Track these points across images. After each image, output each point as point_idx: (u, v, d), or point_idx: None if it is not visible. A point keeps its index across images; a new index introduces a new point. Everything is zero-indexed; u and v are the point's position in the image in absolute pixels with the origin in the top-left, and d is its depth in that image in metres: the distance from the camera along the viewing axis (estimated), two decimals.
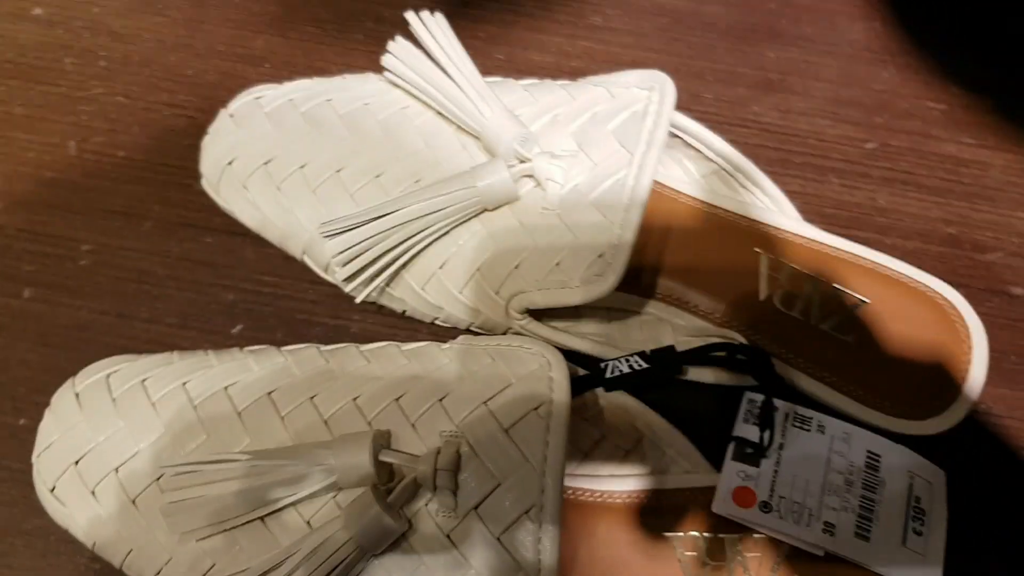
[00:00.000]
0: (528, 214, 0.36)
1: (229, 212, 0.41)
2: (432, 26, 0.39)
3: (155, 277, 0.42)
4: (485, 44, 0.48)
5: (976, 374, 0.39)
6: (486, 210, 0.37)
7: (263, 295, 0.42)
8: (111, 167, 0.45)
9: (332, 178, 0.38)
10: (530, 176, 0.37)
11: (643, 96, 0.38)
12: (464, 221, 0.37)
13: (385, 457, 0.31)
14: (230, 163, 0.40)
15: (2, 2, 0.48)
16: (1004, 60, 0.49)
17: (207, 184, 0.41)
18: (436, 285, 0.38)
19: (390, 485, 0.31)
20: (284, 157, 0.39)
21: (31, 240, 0.43)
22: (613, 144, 0.37)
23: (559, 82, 0.40)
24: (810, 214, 0.44)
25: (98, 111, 0.46)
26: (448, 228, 0.37)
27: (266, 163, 0.39)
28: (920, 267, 0.41)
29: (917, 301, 0.40)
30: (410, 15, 0.39)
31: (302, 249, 0.39)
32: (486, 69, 0.43)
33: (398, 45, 0.40)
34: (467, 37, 0.47)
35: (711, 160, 0.42)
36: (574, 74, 0.45)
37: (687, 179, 0.43)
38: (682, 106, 0.46)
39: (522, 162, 0.36)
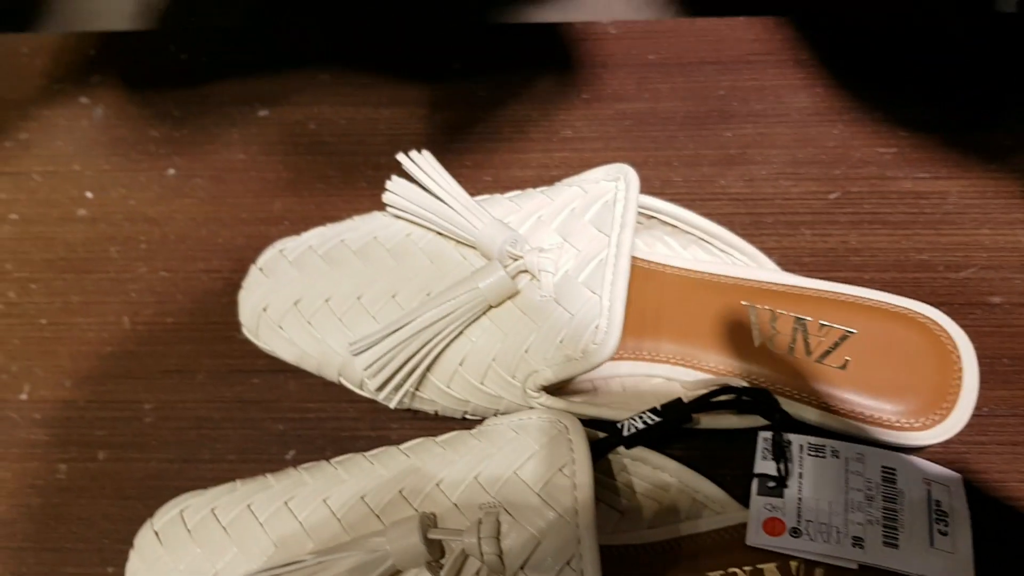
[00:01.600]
0: (529, 304, 0.41)
1: (270, 352, 0.46)
2: (421, 162, 0.45)
3: (212, 422, 0.47)
4: (473, 171, 0.53)
5: (969, 379, 0.42)
6: (492, 307, 0.41)
7: (309, 420, 0.46)
8: (162, 333, 0.50)
9: (354, 305, 0.43)
10: (525, 271, 0.41)
11: (611, 187, 0.43)
12: (474, 320, 0.41)
13: (433, 535, 0.34)
14: (264, 309, 0.45)
15: (51, 210, 0.54)
16: (942, 98, 0.53)
17: (247, 332, 0.46)
18: (460, 381, 0.42)
19: (442, 561, 0.34)
20: (310, 295, 0.44)
21: (100, 408, 0.48)
22: (592, 231, 0.42)
23: (539, 189, 0.46)
24: (789, 265, 0.48)
25: (145, 287, 0.52)
26: (461, 328, 0.41)
27: (296, 303, 0.44)
28: (900, 294, 0.45)
29: (901, 323, 0.44)
30: (401, 156, 0.45)
31: (337, 372, 0.44)
32: (476, 190, 0.49)
33: (395, 183, 0.45)
34: (456, 167, 0.53)
35: (688, 232, 0.47)
36: (554, 182, 0.51)
37: (671, 253, 0.47)
38: (656, 191, 0.51)
39: (515, 260, 0.41)
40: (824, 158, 0.52)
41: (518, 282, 0.42)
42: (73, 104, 0.58)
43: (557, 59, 0.57)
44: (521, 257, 0.41)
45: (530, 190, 0.46)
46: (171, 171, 0.55)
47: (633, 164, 0.52)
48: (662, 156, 0.53)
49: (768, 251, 0.48)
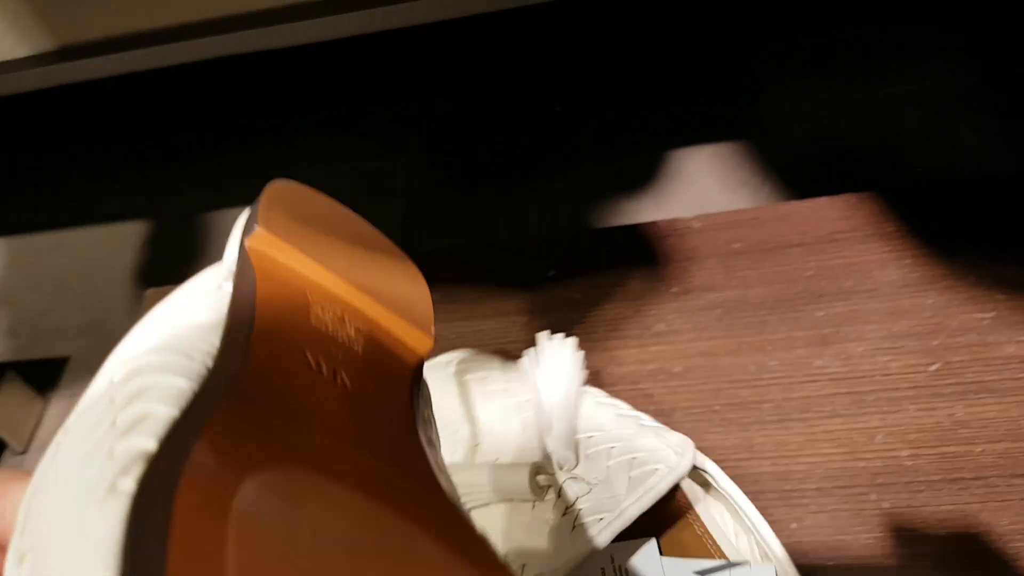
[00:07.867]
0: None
1: None
2: None
3: None
4: None
5: None
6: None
7: None
8: None
9: None
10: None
11: (670, 458, 0.41)
12: None
13: None
14: None
15: None
16: None
17: None
18: None
19: None
20: None
21: None
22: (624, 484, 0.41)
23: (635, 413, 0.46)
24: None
25: None
26: None
27: None
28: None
29: None
30: None
31: None
32: None
33: None
34: None
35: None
36: (653, 375, 0.53)
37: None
38: (751, 377, 0.53)
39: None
40: (921, 329, 0.52)
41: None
42: None
43: (645, 257, 0.60)
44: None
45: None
46: None
47: (726, 352, 0.54)
48: (755, 342, 0.54)
49: (872, 430, 0.48)
